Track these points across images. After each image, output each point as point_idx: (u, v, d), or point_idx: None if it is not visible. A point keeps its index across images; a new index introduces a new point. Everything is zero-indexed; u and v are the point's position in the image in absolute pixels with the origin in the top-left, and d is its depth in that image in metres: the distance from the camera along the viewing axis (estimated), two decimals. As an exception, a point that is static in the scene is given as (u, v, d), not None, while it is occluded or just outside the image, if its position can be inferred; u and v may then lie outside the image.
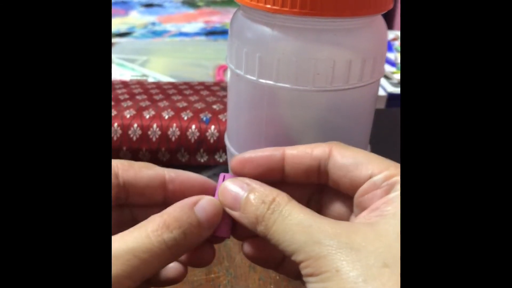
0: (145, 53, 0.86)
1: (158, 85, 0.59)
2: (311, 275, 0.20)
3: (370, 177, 0.23)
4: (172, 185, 0.26)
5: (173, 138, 0.49)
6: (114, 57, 0.84)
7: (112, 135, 0.48)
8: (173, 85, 0.59)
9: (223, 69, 0.80)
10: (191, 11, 1.17)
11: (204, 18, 1.11)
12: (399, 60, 0.78)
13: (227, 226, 0.25)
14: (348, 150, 0.24)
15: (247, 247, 0.26)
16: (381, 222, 0.21)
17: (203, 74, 0.78)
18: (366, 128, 0.37)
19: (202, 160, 0.50)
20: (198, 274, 0.37)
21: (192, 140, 0.49)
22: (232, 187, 0.24)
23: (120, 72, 0.77)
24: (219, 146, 0.49)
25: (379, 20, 0.34)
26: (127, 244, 0.21)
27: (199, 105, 0.52)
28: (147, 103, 0.52)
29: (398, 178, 0.22)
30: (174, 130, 0.49)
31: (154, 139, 0.49)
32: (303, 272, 0.21)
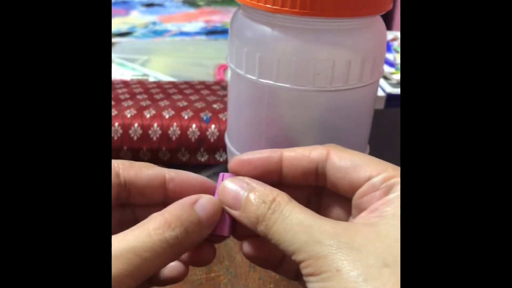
0: (146, 53, 0.86)
1: (159, 85, 0.59)
2: (311, 274, 0.20)
3: (369, 179, 0.23)
4: (172, 185, 0.26)
5: (174, 138, 0.49)
6: (114, 56, 0.84)
7: (113, 135, 0.48)
8: (174, 84, 0.59)
9: (223, 68, 0.80)
10: (191, 10, 1.17)
11: (204, 18, 1.11)
12: (398, 61, 0.78)
13: (227, 225, 0.25)
14: (346, 153, 0.25)
15: (246, 247, 0.26)
16: (381, 222, 0.21)
17: (204, 73, 0.78)
18: (365, 128, 0.37)
19: (202, 159, 0.50)
20: (198, 273, 0.37)
21: (193, 140, 0.49)
22: (232, 186, 0.24)
23: (121, 71, 0.77)
24: (220, 145, 0.49)
25: (379, 21, 0.34)
26: (128, 243, 0.21)
27: (199, 105, 0.52)
28: (148, 102, 0.52)
29: (396, 180, 0.22)
30: (174, 130, 0.49)
31: (154, 138, 0.49)
32: (304, 271, 0.21)
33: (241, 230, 0.25)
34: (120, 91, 0.56)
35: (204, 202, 0.24)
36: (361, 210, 0.23)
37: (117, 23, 1.04)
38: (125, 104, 0.52)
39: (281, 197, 0.23)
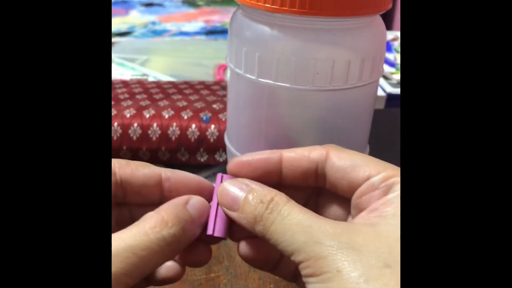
0: (145, 53, 0.86)
1: (158, 85, 0.59)
2: (311, 275, 0.20)
3: (368, 178, 0.23)
4: (168, 184, 0.26)
5: (173, 138, 0.49)
6: (114, 56, 0.84)
7: (112, 135, 0.48)
8: (173, 84, 0.59)
9: (223, 68, 0.80)
10: (191, 10, 1.17)
11: (204, 18, 1.11)
12: (398, 61, 0.78)
13: (224, 226, 0.25)
14: (345, 153, 0.24)
15: (243, 248, 0.26)
16: (381, 222, 0.21)
17: (203, 73, 0.78)
18: (365, 128, 0.37)
19: (202, 160, 0.50)
20: (198, 273, 0.37)
21: (192, 140, 0.49)
22: (231, 188, 0.24)
23: (120, 71, 0.77)
24: (219, 145, 0.49)
25: (378, 20, 0.34)
26: (126, 241, 0.21)
27: (199, 104, 0.52)
28: (147, 102, 0.52)
29: (396, 179, 0.22)
30: (174, 130, 0.49)
31: (154, 138, 0.49)
32: (303, 272, 0.21)
33: (238, 231, 0.25)
34: (119, 91, 0.56)
35: (195, 202, 0.24)
36: (360, 210, 0.23)
37: (117, 23, 1.04)
38: (124, 104, 0.52)
39: (279, 197, 0.23)
